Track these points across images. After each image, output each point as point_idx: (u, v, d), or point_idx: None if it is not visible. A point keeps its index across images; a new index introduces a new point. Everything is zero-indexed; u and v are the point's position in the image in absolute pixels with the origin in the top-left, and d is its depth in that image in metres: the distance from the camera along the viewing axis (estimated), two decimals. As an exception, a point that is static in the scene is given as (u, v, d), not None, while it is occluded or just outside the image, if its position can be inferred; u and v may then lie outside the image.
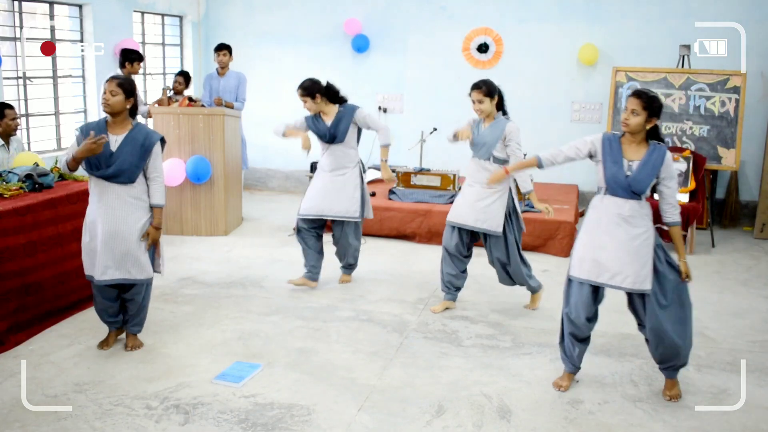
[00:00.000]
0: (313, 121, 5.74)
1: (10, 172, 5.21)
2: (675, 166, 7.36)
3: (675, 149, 7.69)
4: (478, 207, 5.20)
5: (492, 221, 5.17)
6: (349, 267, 6.11)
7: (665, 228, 4.04)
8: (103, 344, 4.64)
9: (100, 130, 4.32)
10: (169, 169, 7.22)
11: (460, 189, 7.70)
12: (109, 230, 4.34)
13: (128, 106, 4.37)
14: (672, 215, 3.95)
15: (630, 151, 3.92)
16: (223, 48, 8.21)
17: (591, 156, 4.04)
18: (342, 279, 6.10)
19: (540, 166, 4.21)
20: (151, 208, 4.49)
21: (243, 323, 5.12)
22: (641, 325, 4.10)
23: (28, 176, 5.13)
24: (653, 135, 3.94)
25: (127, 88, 4.35)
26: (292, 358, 4.54)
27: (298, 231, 5.85)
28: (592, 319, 4.13)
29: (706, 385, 4.29)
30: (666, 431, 3.77)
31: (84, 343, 4.70)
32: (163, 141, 4.49)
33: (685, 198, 7.39)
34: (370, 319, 5.25)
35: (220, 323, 5.11)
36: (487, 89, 5.16)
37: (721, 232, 8.23)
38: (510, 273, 5.35)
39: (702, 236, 7.79)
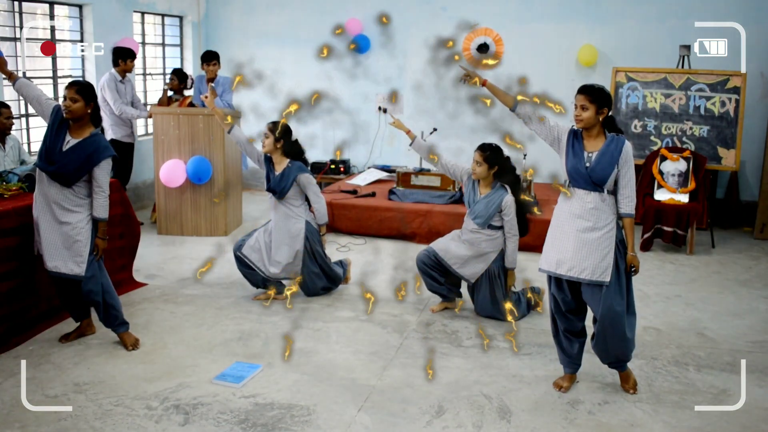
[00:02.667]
0: (267, 164, 5.53)
1: (10, 172, 5.22)
2: (675, 166, 7.44)
3: (675, 149, 7.69)
4: (466, 258, 5.24)
5: (473, 272, 5.25)
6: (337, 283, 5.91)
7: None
8: (63, 337, 4.74)
9: (63, 123, 4.35)
10: (169, 170, 7.23)
11: (459, 190, 7.72)
12: (49, 219, 4.39)
13: (89, 111, 4.37)
14: (626, 207, 3.95)
15: (590, 144, 3.99)
16: (212, 58, 7.92)
17: (554, 141, 4.09)
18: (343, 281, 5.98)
19: (513, 107, 4.19)
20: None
21: (243, 323, 5.11)
22: (594, 319, 4.10)
23: (29, 176, 5.14)
24: (612, 128, 4.00)
25: (88, 93, 4.35)
26: (292, 358, 4.54)
27: (236, 257, 5.60)
28: (575, 311, 4.15)
29: (706, 385, 4.29)
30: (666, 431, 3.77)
31: (84, 343, 4.70)
32: (114, 159, 4.48)
33: (685, 198, 7.39)
34: (370, 320, 5.24)
35: (220, 323, 5.11)
36: (490, 156, 5.09)
37: (721, 232, 8.22)
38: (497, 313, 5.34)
39: (702, 236, 7.79)
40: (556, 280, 4.12)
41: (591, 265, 3.92)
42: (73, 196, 4.39)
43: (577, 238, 3.95)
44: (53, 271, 4.42)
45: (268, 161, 5.53)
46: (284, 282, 5.69)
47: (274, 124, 5.45)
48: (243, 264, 5.56)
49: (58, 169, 4.30)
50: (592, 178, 3.90)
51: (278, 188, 5.44)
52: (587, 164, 3.92)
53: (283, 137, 5.44)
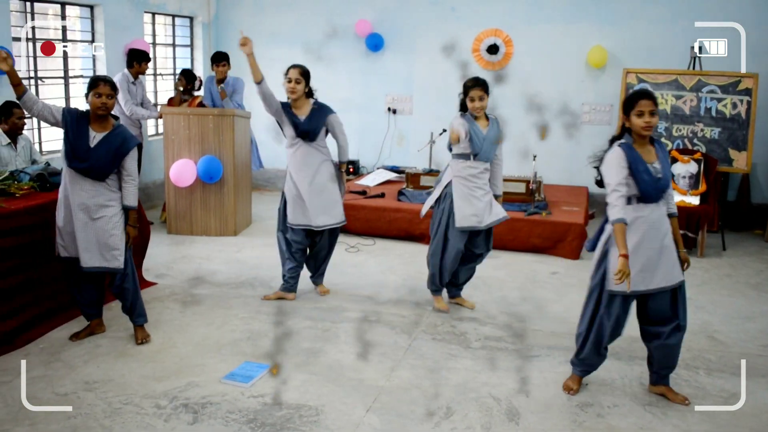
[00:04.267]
0: (287, 112, 5.40)
1: (21, 171, 5.24)
2: (685, 168, 7.41)
3: (686, 151, 7.65)
4: (488, 208, 5.28)
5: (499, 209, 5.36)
6: (322, 275, 5.88)
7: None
8: (73, 336, 4.74)
9: (82, 121, 4.40)
10: (179, 169, 7.25)
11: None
12: (83, 219, 4.45)
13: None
14: (672, 207, 3.98)
15: (645, 154, 3.87)
16: (222, 59, 7.95)
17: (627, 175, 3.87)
18: (323, 290, 5.83)
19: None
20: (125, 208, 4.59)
21: (252, 323, 5.12)
22: (655, 335, 4.03)
23: (40, 176, 5.17)
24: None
25: (117, 88, 4.47)
26: (300, 358, 4.55)
27: (287, 243, 5.61)
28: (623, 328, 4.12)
29: (716, 389, 4.27)
30: (676, 435, 3.76)
31: (94, 341, 4.72)
32: (139, 146, 4.60)
33: (696, 201, 7.35)
34: (378, 320, 5.24)
35: (229, 323, 5.12)
36: (486, 87, 5.18)
37: (732, 235, 8.18)
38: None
39: (713, 239, 7.75)
40: (625, 301, 3.97)
41: (668, 269, 3.91)
42: (106, 191, 4.48)
43: (662, 248, 3.89)
44: (92, 267, 4.50)
45: (288, 109, 5.43)
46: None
47: (302, 68, 5.42)
48: (292, 252, 5.57)
49: (91, 164, 4.39)
50: (664, 188, 3.85)
51: (311, 129, 5.41)
52: (659, 176, 3.83)
53: (308, 81, 5.45)
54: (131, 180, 4.53)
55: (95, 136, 4.42)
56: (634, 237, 3.84)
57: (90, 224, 4.45)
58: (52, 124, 4.48)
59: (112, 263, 4.51)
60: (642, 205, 3.86)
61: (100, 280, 4.69)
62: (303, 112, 5.42)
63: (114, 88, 4.43)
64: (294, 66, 5.43)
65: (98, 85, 4.37)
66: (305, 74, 5.41)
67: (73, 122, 4.40)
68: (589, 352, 4.12)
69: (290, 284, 5.66)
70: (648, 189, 3.81)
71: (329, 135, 5.57)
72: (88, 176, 4.42)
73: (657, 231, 3.87)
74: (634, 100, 3.81)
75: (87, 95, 4.42)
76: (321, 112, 5.45)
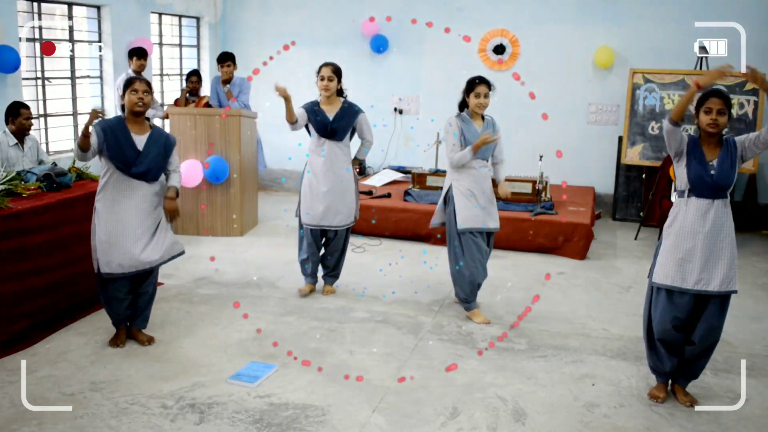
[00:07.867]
0: (313, 111, 5.44)
1: (28, 171, 5.26)
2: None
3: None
4: (488, 210, 5.25)
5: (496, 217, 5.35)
6: (336, 276, 5.89)
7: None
8: (118, 342, 4.66)
9: (121, 129, 4.40)
10: (186, 170, 7.25)
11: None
12: (137, 225, 4.46)
13: None
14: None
15: (708, 152, 3.87)
16: (227, 59, 8.01)
17: (678, 147, 3.88)
18: (328, 290, 5.82)
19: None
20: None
21: (258, 323, 5.12)
22: (690, 339, 4.00)
23: (47, 176, 5.17)
24: None
25: (151, 85, 4.53)
26: (306, 358, 4.55)
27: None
28: (681, 328, 3.99)
29: (722, 389, 4.26)
30: (682, 436, 3.75)
31: (101, 341, 4.73)
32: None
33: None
34: (385, 321, 5.24)
35: (235, 323, 5.12)
36: (491, 85, 5.21)
37: (739, 235, 8.07)
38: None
39: (719, 239, 7.72)
40: (669, 295, 3.95)
41: (720, 275, 3.86)
42: (159, 187, 4.60)
43: (702, 249, 3.86)
44: (158, 262, 4.59)
45: (314, 110, 5.43)
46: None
47: (334, 66, 5.45)
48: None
49: (148, 167, 4.46)
50: (717, 185, 3.82)
51: (340, 128, 5.43)
52: (712, 173, 3.83)
53: (340, 79, 5.48)
54: (177, 171, 4.69)
55: (140, 139, 4.45)
56: (679, 229, 3.90)
57: (147, 225, 4.50)
58: (101, 152, 4.41)
59: (171, 252, 4.64)
60: (693, 199, 3.86)
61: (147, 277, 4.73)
62: (332, 111, 5.45)
63: (149, 85, 4.47)
64: (326, 64, 5.47)
65: (133, 82, 4.42)
66: (337, 72, 5.45)
67: (112, 133, 4.38)
68: (649, 349, 4.12)
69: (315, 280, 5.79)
70: (695, 179, 3.82)
71: (353, 136, 5.62)
72: (143, 179, 4.46)
73: (702, 229, 3.85)
74: (704, 97, 3.81)
75: (122, 97, 4.47)
76: (350, 110, 5.49)
